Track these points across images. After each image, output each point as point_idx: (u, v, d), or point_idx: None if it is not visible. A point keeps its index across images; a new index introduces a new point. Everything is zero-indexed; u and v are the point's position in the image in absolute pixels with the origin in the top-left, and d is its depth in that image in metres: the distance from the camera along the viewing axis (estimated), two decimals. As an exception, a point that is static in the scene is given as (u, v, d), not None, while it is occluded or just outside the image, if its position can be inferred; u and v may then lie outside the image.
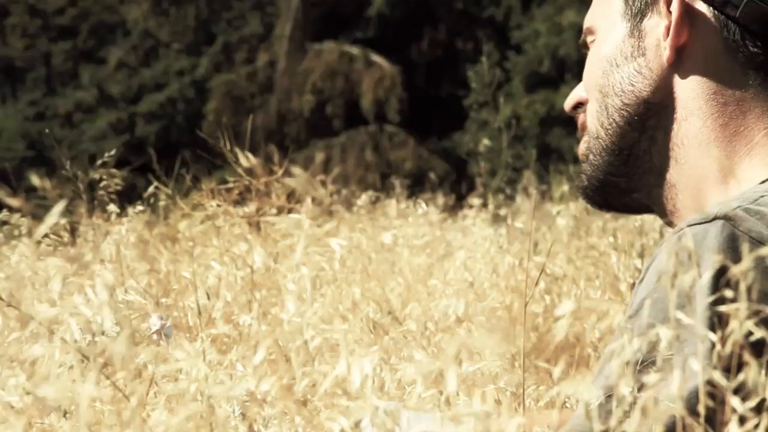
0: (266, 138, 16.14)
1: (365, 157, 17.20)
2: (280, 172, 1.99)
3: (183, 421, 0.82)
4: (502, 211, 5.02)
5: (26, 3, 20.92)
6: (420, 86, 18.07)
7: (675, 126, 1.38)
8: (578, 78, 1.51)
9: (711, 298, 1.11)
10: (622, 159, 1.41)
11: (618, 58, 1.41)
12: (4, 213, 1.71)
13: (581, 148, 1.46)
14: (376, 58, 17.89)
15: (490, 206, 5.14)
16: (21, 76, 20.86)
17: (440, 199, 5.16)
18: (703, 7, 1.37)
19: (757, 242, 1.17)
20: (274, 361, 1.31)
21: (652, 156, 1.39)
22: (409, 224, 3.56)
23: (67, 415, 0.90)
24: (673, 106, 1.38)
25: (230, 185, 2.03)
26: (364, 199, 4.06)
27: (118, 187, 2.08)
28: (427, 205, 3.71)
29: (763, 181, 1.30)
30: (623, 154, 1.41)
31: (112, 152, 2.03)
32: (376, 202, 4.36)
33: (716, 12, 1.37)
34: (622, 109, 1.40)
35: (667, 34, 1.37)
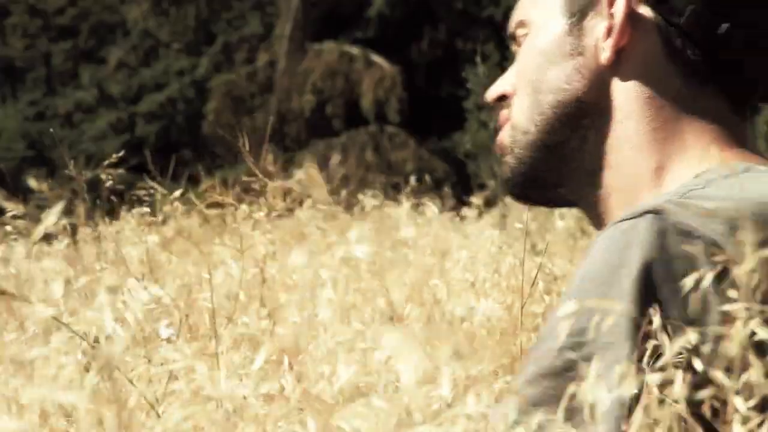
0: (267, 138, 16.12)
1: (366, 158, 17.20)
2: (299, 173, 1.99)
3: (180, 421, 0.82)
4: (502, 211, 5.02)
5: (26, 3, 20.93)
6: (420, 86, 18.07)
7: (609, 127, 1.37)
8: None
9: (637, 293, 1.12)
10: (551, 155, 1.40)
11: (555, 55, 1.39)
12: (7, 216, 1.70)
13: (504, 140, 1.44)
14: (376, 58, 17.89)
15: (489, 206, 5.14)
16: (21, 76, 20.86)
17: (441, 200, 5.16)
18: (646, 11, 1.37)
19: (687, 234, 1.16)
20: (275, 361, 1.31)
21: (583, 155, 1.39)
22: (411, 224, 3.55)
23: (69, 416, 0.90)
24: (608, 108, 1.37)
25: (237, 182, 2.03)
26: (364, 199, 4.07)
27: (143, 190, 2.07)
28: (428, 205, 3.71)
29: (697, 176, 1.30)
30: (552, 150, 1.40)
31: (121, 153, 2.02)
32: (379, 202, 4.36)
33: (660, 17, 1.36)
34: (556, 107, 1.39)
35: (608, 35, 1.37)
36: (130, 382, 1.05)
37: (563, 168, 1.40)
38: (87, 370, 0.96)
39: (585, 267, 1.20)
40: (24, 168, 17.48)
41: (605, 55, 1.37)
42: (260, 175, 1.94)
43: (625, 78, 1.37)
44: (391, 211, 4.08)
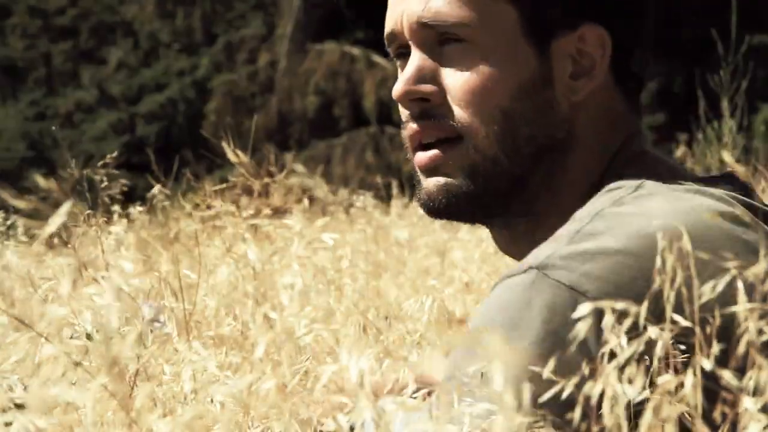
0: (267, 138, 16.14)
1: (366, 159, 17.20)
2: (285, 172, 2.00)
3: (189, 421, 0.84)
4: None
5: (26, 3, 20.92)
6: (420, 87, 18.02)
7: (569, 159, 1.35)
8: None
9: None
10: (514, 185, 1.35)
11: (530, 86, 1.33)
12: (10, 215, 1.72)
13: (456, 161, 1.35)
14: (378, 58, 17.89)
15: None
16: (21, 76, 20.85)
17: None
18: (604, 35, 1.35)
19: (570, 289, 1.16)
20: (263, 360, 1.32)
21: (541, 186, 1.36)
22: (409, 225, 3.57)
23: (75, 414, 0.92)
24: (571, 141, 1.35)
25: (227, 185, 2.04)
26: (363, 199, 4.08)
27: (124, 189, 2.09)
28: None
29: (609, 190, 1.28)
30: (518, 181, 1.35)
31: (114, 153, 2.04)
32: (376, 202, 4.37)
33: (616, 40, 1.35)
34: (531, 141, 1.34)
35: (579, 75, 1.34)
36: (133, 380, 1.07)
37: (517, 197, 1.36)
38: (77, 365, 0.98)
39: (478, 321, 1.19)
40: (24, 168, 17.48)
41: (577, 96, 1.35)
42: (247, 176, 1.94)
43: (588, 111, 1.36)
44: (389, 211, 4.09)
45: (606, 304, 0.94)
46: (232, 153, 1.62)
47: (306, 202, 2.61)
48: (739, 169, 1.26)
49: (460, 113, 1.34)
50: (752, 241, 1.22)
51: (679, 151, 5.18)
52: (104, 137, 18.88)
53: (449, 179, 1.36)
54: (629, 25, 1.37)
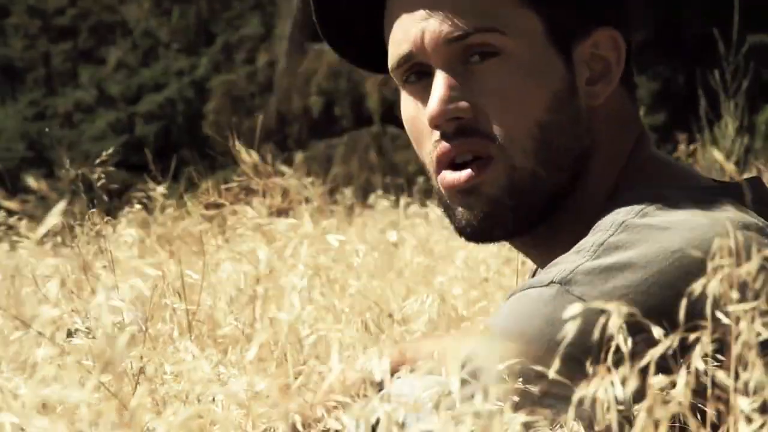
0: (266, 138, 16.14)
1: (368, 159, 17.20)
2: (286, 172, 1.98)
3: (185, 420, 0.82)
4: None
5: (26, 3, 20.93)
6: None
7: (592, 165, 1.34)
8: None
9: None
10: (551, 198, 1.33)
11: (563, 96, 1.32)
12: (2, 215, 1.70)
13: (495, 180, 1.31)
14: (377, 58, 17.90)
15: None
16: (20, 76, 20.86)
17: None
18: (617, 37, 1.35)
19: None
20: (263, 359, 1.30)
21: (572, 197, 1.34)
22: (412, 225, 3.56)
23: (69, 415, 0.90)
24: (593, 148, 1.34)
25: (230, 185, 2.03)
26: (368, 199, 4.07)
27: (114, 186, 2.07)
28: (430, 206, 3.71)
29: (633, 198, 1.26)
30: (555, 194, 1.33)
31: (110, 150, 2.02)
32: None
33: (625, 42, 1.35)
34: (566, 151, 1.32)
35: (598, 79, 1.34)
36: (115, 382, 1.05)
37: (551, 209, 1.33)
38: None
39: (493, 330, 1.18)
40: (24, 168, 17.48)
41: (597, 101, 1.34)
42: (250, 175, 1.93)
43: (604, 115, 1.35)
44: (393, 211, 4.08)
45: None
46: (245, 154, 1.60)
47: (304, 203, 2.60)
48: (730, 168, 1.24)
49: (495, 129, 1.30)
50: None
51: (679, 151, 5.17)
52: (103, 137, 18.88)
53: (488, 199, 1.32)
54: (631, 24, 1.37)
